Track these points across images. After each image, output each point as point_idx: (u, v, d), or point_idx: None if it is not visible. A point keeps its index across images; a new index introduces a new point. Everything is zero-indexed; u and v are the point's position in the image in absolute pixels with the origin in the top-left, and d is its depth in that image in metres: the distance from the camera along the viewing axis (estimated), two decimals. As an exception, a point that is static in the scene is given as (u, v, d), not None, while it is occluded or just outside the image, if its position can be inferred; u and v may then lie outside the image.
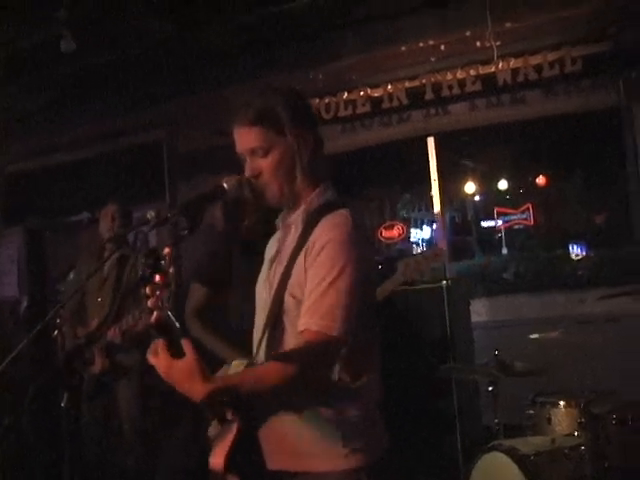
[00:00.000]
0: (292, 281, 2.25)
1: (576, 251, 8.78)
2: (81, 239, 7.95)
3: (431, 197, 6.58)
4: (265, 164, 2.29)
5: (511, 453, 4.05)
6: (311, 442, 2.25)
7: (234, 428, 2.21)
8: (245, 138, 2.31)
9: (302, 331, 2.16)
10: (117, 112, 7.57)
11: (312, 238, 2.23)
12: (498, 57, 5.60)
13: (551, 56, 5.46)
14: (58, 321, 5.34)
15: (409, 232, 13.06)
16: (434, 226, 8.04)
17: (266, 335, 2.32)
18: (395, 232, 12.94)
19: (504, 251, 19.98)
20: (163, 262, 2.13)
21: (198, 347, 2.04)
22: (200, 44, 6.37)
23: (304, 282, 2.22)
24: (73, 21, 5.59)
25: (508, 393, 4.78)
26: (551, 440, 4.19)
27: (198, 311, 4.35)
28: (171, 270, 2.15)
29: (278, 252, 2.41)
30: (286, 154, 2.29)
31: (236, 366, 2.39)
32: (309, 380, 2.14)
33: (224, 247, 4.60)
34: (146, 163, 7.66)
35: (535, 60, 5.51)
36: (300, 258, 2.24)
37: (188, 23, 6.07)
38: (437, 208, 6.52)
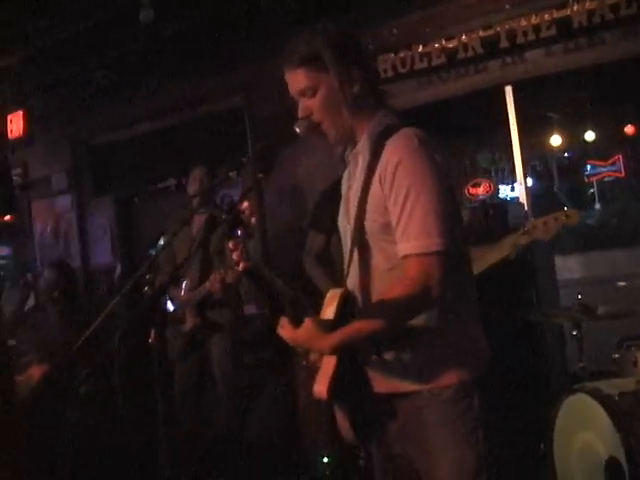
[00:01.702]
0: (370, 207, 2.34)
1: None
2: (169, 205, 8.12)
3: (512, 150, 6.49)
4: (313, 103, 2.41)
5: (595, 394, 4.05)
6: (415, 361, 2.35)
7: (335, 356, 2.31)
8: (293, 81, 2.43)
9: (404, 257, 2.25)
10: (196, 80, 7.70)
11: (382, 163, 2.30)
12: (573, 0, 5.49)
13: (627, -5, 5.32)
14: (148, 277, 5.51)
15: (497, 188, 12.90)
16: (516, 184, 7.94)
17: (353, 262, 2.43)
18: (482, 189, 12.83)
19: (597, 206, 19.48)
20: (243, 216, 2.23)
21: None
22: (265, 7, 6.43)
23: (384, 207, 2.29)
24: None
25: (593, 339, 4.77)
26: (636, 381, 4.16)
27: (317, 256, 4.69)
28: (252, 221, 2.26)
29: (350, 183, 2.49)
30: (331, 90, 2.39)
31: (332, 294, 2.47)
32: (421, 309, 2.27)
33: (334, 194, 4.78)
34: (228, 128, 7.77)
35: (611, 0, 5.37)
36: (375, 184, 2.32)
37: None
38: (517, 160, 6.43)
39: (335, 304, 2.36)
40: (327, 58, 2.36)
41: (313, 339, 2.23)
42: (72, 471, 4.92)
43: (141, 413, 5.83)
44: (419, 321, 2.27)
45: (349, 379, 2.33)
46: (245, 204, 2.28)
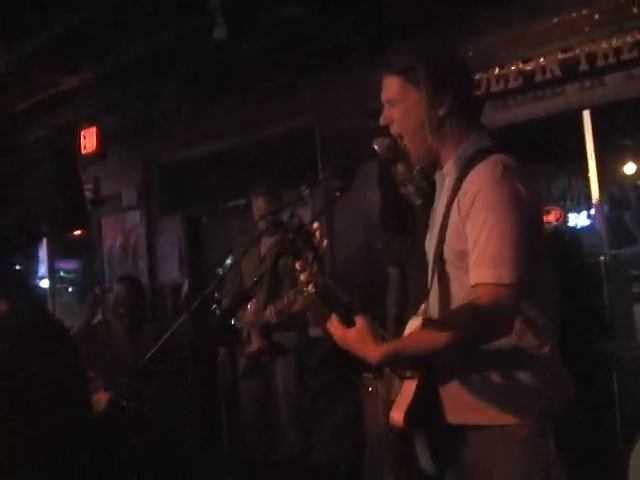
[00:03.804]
0: (450, 232, 2.27)
1: None
2: (237, 225, 8.14)
3: (588, 177, 6.33)
4: (397, 113, 2.37)
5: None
6: (490, 395, 2.25)
7: (414, 384, 2.24)
8: (386, 87, 2.41)
9: (474, 286, 2.15)
10: (266, 99, 7.72)
11: (463, 189, 2.22)
12: (656, 22, 5.35)
13: None
14: (216, 295, 5.52)
15: (567, 217, 12.71)
16: (592, 210, 7.76)
17: (433, 288, 2.36)
18: (552, 217, 12.67)
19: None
20: (314, 237, 2.18)
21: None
22: (337, 27, 6.40)
23: (462, 232, 2.21)
24: (225, 8, 5.73)
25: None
26: None
27: (397, 287, 4.69)
28: (324, 243, 2.20)
29: (436, 206, 2.43)
30: (417, 107, 2.33)
31: (413, 323, 2.41)
32: (485, 337, 2.16)
33: (385, 228, 4.79)
34: (298, 148, 7.77)
35: (698, 22, 5.23)
36: (455, 208, 2.24)
37: (321, 9, 6.13)
38: (594, 187, 6.27)
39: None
40: (421, 74, 2.32)
41: (364, 342, 2.12)
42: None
43: (207, 433, 5.83)
44: (495, 351, 2.18)
45: (428, 407, 2.24)
46: (316, 225, 2.22)
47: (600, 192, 6.19)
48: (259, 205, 5.98)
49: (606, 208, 8.45)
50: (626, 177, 13.85)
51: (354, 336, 2.13)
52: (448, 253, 2.28)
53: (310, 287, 2.23)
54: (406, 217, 4.30)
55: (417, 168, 2.52)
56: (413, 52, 2.38)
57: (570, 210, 13.32)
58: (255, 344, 5.76)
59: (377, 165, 4.95)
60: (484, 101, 2.47)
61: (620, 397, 5.05)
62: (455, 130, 2.36)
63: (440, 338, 2.08)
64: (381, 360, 2.11)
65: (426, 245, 2.51)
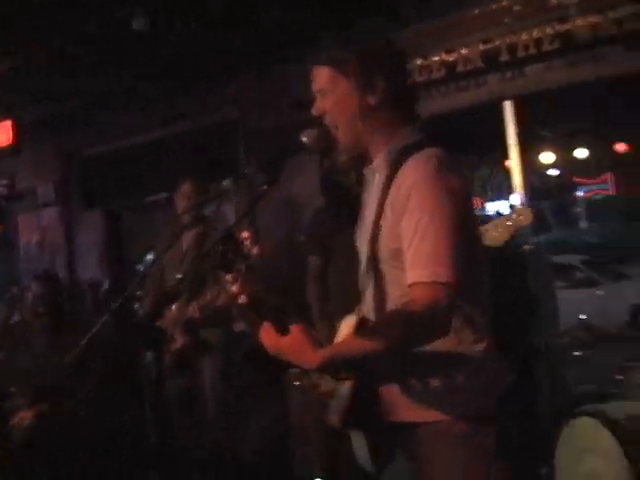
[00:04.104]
0: (383, 230, 2.20)
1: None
2: (159, 220, 8.01)
3: (507, 166, 6.42)
4: (328, 103, 2.29)
5: (601, 417, 3.93)
6: (428, 393, 2.21)
7: (350, 384, 2.18)
8: (317, 77, 2.32)
9: (410, 285, 2.09)
10: (189, 93, 7.61)
11: (395, 184, 2.16)
12: (575, 13, 5.41)
13: (631, 9, 5.24)
14: (138, 293, 5.40)
15: (484, 205, 12.95)
16: (513, 196, 7.86)
17: (367, 287, 2.30)
18: (471, 206, 12.93)
19: (582, 224, 19.55)
20: (243, 246, 2.11)
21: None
22: (262, 20, 6.35)
23: (397, 230, 2.15)
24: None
25: (596, 359, 4.67)
26: (643, 404, 4.06)
27: (316, 278, 4.66)
28: (254, 251, 2.13)
29: (367, 201, 2.37)
30: (348, 96, 2.26)
31: (347, 323, 2.34)
32: (424, 338, 2.10)
33: (328, 217, 4.76)
34: (221, 141, 7.68)
35: (614, 14, 5.30)
36: (388, 205, 2.18)
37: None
38: (517, 176, 6.35)
39: (350, 330, 2.24)
40: (351, 63, 2.25)
41: (300, 350, 2.02)
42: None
43: (131, 432, 5.72)
44: (433, 348, 2.14)
45: (366, 407, 2.20)
46: (246, 234, 2.15)
47: (523, 181, 6.27)
48: (185, 191, 5.83)
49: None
50: (544, 166, 14.13)
51: (289, 344, 2.04)
52: (383, 252, 2.22)
53: (242, 298, 2.16)
54: (348, 206, 4.26)
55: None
56: (343, 42, 2.31)
57: (491, 200, 13.57)
58: (179, 341, 5.63)
59: (318, 155, 4.92)
60: (417, 95, 2.40)
61: (550, 386, 5.10)
62: (386, 122, 2.30)
63: (379, 342, 2.02)
64: (319, 367, 2.03)
65: (357, 242, 2.46)
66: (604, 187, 19.80)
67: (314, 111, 2.32)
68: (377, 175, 2.30)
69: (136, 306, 5.44)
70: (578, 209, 21.33)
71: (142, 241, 8.28)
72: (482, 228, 4.23)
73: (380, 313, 2.25)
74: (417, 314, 2.02)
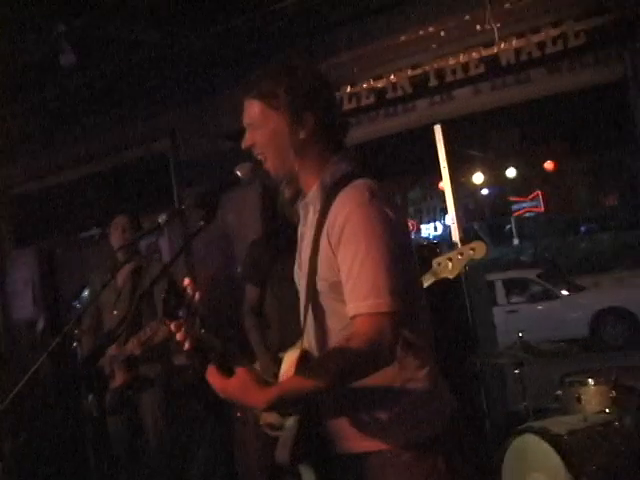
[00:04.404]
0: (320, 264, 2.21)
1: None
2: (93, 255, 7.91)
3: (441, 189, 6.48)
4: (258, 136, 2.32)
5: (543, 434, 3.99)
6: (374, 422, 2.22)
7: (296, 419, 2.18)
8: (247, 110, 2.35)
9: (352, 317, 2.11)
10: (119, 126, 7.55)
11: (330, 217, 2.18)
12: (499, 38, 5.52)
13: (553, 32, 5.35)
14: (76, 332, 5.32)
15: (419, 227, 13.07)
16: (447, 218, 7.95)
17: (308, 320, 2.30)
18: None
19: (515, 241, 19.92)
20: (185, 294, 2.11)
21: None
22: (193, 50, 6.34)
23: (334, 263, 2.17)
24: (72, 34, 5.57)
25: (534, 376, 4.74)
26: (583, 418, 4.13)
27: (252, 308, 4.70)
28: (196, 297, 2.12)
29: (302, 235, 2.38)
30: (278, 131, 2.29)
31: (289, 356, 2.35)
32: (369, 370, 2.11)
33: (267, 247, 4.76)
34: (152, 174, 7.63)
35: (537, 38, 5.40)
36: (323, 239, 2.20)
37: (175, 31, 6.06)
38: (449, 198, 6.41)
39: (294, 365, 2.23)
40: (281, 98, 2.27)
41: (247, 391, 2.04)
42: None
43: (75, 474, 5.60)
44: (377, 378, 2.15)
45: (312, 441, 2.19)
46: (187, 281, 2.14)
47: (455, 202, 6.34)
48: (119, 225, 5.80)
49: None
50: (475, 186, 14.37)
51: (235, 385, 2.05)
52: (321, 285, 2.23)
53: (186, 345, 2.15)
54: (286, 236, 4.28)
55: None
56: (273, 75, 2.32)
57: (426, 221, 13.74)
58: (119, 378, 5.56)
59: (261, 187, 4.95)
60: (348, 125, 2.41)
61: (488, 405, 5.16)
62: (316, 154, 2.31)
63: (325, 378, 2.03)
64: (266, 406, 2.04)
65: (295, 275, 2.46)
66: (534, 204, 20.21)
67: (243, 144, 2.34)
68: (311, 208, 2.31)
69: (74, 344, 5.36)
70: (508, 226, 21.77)
71: (77, 277, 8.15)
72: (434, 261, 4.26)
73: (322, 346, 2.26)
74: (362, 347, 2.04)
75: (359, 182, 2.20)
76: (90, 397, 5.38)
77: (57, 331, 7.82)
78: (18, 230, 8.76)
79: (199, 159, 6.80)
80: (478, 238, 12.75)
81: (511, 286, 14.01)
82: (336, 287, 2.17)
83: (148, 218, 5.97)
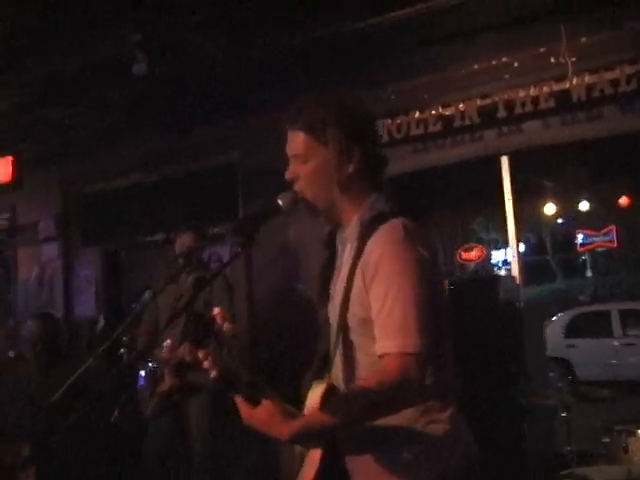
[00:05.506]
0: (353, 299, 2.22)
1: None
2: (157, 260, 8.02)
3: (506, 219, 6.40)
4: (303, 170, 2.30)
5: (582, 482, 3.92)
6: (392, 461, 2.21)
7: (319, 452, 2.17)
8: (290, 142, 2.33)
9: (380, 356, 2.12)
10: (192, 132, 7.65)
11: (365, 254, 2.18)
12: (572, 73, 5.45)
13: (628, 70, 5.28)
14: (125, 339, 5.39)
15: (489, 254, 12.88)
16: (508, 249, 7.87)
17: (337, 354, 2.30)
18: (474, 254, 12.84)
19: (588, 274, 19.58)
20: (215, 324, 2.13)
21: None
22: (267, 63, 6.38)
23: (366, 300, 2.17)
24: (146, 44, 5.65)
25: (582, 420, 4.64)
26: (627, 470, 4.02)
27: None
28: (225, 327, 2.14)
29: (338, 270, 2.38)
30: (325, 165, 2.27)
31: (315, 389, 2.31)
32: (394, 409, 2.12)
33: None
34: (220, 184, 7.70)
35: (611, 75, 5.34)
36: (358, 275, 2.20)
37: (247, 42, 6.10)
38: (511, 230, 6.35)
39: (319, 397, 2.24)
40: (330, 132, 2.25)
41: (272, 422, 2.05)
42: None
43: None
44: (400, 418, 2.14)
45: (333, 476, 2.19)
46: (216, 310, 2.17)
47: (517, 237, 6.27)
48: (184, 241, 5.86)
49: (524, 246, 8.59)
50: (546, 217, 14.12)
51: (261, 416, 2.07)
52: (352, 321, 2.23)
53: (213, 373, 2.18)
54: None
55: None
56: (320, 106, 2.29)
57: (494, 248, 13.55)
58: (167, 383, 5.62)
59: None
60: (387, 160, 2.41)
61: (531, 443, 5.08)
62: (359, 190, 2.31)
63: (349, 414, 2.05)
64: (291, 439, 2.07)
65: (329, 309, 2.47)
66: (607, 239, 19.85)
67: (287, 175, 2.33)
68: (349, 244, 2.31)
69: (121, 351, 5.43)
70: (582, 258, 21.43)
71: (139, 280, 8.28)
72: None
73: (349, 380, 2.26)
74: (387, 386, 2.05)
75: (395, 221, 2.19)
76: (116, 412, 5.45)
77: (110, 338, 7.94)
78: (86, 229, 8.93)
79: (266, 172, 6.85)
80: (549, 270, 12.57)
81: (627, 317, 12.93)
82: (365, 324, 2.18)
83: (213, 227, 6.05)
